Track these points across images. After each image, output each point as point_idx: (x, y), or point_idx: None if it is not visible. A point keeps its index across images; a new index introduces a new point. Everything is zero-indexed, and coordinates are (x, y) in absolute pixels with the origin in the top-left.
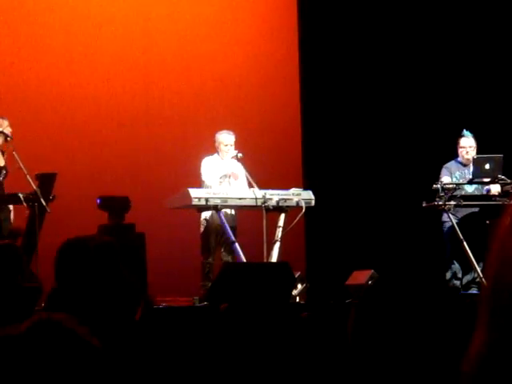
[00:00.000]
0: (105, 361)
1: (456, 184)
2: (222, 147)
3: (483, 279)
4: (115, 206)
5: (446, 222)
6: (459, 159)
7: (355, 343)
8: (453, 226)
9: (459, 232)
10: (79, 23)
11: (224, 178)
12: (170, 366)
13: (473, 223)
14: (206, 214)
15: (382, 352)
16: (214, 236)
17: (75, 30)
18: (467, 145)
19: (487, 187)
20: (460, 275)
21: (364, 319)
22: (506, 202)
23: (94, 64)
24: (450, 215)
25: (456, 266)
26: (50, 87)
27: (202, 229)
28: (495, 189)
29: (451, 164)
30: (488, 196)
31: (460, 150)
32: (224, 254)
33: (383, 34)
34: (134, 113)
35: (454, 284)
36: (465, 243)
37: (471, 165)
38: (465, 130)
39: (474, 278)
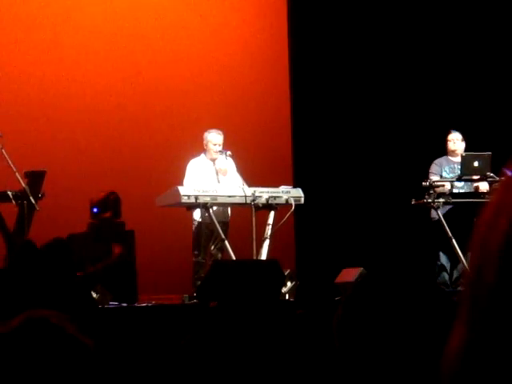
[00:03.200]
0: (95, 358)
1: (445, 181)
2: (210, 146)
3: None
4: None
5: (434, 218)
6: (449, 156)
7: (341, 340)
8: (442, 222)
9: (448, 229)
10: (67, 19)
11: (214, 176)
12: (159, 363)
13: (460, 219)
14: (197, 212)
15: (368, 350)
16: (205, 234)
17: (63, 26)
18: (454, 137)
19: (475, 184)
20: (448, 267)
21: (351, 317)
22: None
23: (84, 62)
24: (439, 212)
25: (444, 259)
26: (39, 85)
27: (193, 227)
28: (483, 186)
29: (441, 160)
30: (477, 193)
31: (448, 144)
32: (214, 251)
33: (373, 31)
34: (125, 111)
35: (442, 277)
36: (453, 240)
37: (459, 158)
38: (452, 131)
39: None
